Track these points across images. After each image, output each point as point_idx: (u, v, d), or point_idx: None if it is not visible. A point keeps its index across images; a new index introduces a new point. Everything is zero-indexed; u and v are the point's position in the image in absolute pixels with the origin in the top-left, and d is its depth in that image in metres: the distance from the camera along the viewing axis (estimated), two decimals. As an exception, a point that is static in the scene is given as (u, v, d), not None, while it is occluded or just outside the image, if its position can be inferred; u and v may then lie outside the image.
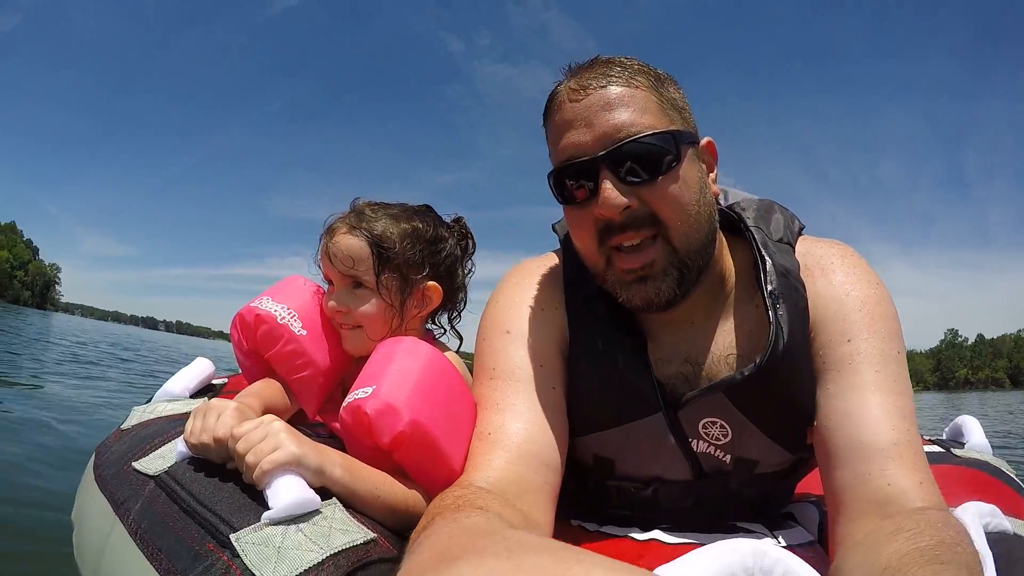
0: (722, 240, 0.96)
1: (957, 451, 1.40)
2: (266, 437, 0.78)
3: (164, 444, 0.94)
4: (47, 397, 4.22)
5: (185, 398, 1.17)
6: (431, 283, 1.14)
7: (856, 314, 0.87)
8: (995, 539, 0.77)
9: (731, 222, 1.00)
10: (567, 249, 1.00)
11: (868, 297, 0.89)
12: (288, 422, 0.84)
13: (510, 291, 1.01)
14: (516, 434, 0.86)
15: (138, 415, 1.07)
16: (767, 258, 0.90)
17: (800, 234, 1.00)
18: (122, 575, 0.77)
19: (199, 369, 1.26)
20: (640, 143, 0.80)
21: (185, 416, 1.05)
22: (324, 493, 0.79)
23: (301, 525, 0.73)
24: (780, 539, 0.93)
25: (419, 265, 1.12)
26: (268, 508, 0.73)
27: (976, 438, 1.47)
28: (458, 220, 1.25)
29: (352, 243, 1.09)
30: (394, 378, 0.90)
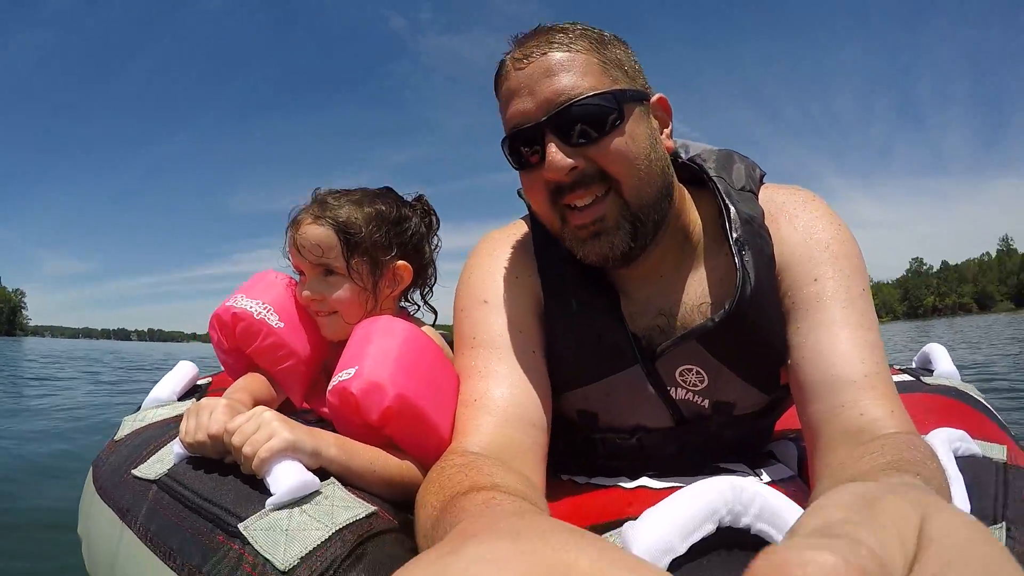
0: (685, 193, 0.99)
1: (926, 379, 1.44)
2: (259, 427, 0.80)
3: (160, 448, 0.95)
4: (29, 418, 4.16)
5: (173, 402, 1.18)
6: (400, 262, 1.17)
7: (821, 255, 0.91)
8: (965, 463, 0.80)
9: (693, 174, 1.02)
10: (535, 215, 1.01)
11: (832, 238, 0.92)
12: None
13: (483, 261, 1.03)
14: (501, 398, 0.89)
15: (129, 425, 1.07)
16: (731, 207, 0.93)
17: (762, 182, 1.03)
18: None
19: (183, 372, 1.26)
20: (582, 105, 0.83)
21: (176, 420, 1.06)
22: (322, 474, 0.82)
23: (304, 507, 0.75)
24: (763, 475, 0.97)
25: (386, 246, 1.14)
26: (270, 495, 0.76)
27: (943, 365, 1.53)
28: (419, 198, 1.27)
29: (318, 232, 1.11)
30: (375, 356, 0.92)
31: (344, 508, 0.77)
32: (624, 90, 0.86)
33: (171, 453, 0.90)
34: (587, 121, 0.83)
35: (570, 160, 0.84)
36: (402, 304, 1.27)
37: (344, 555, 0.71)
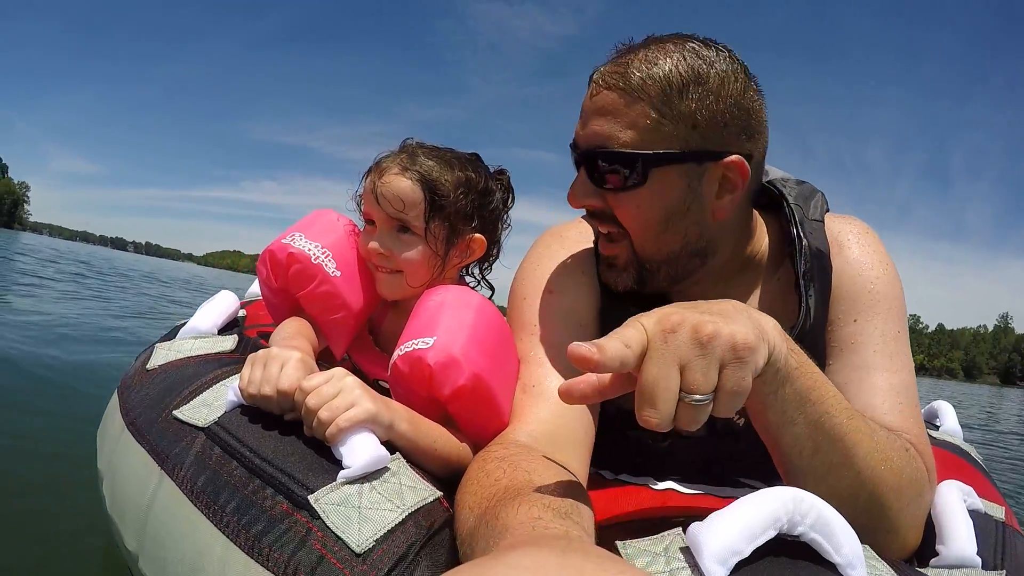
0: (758, 220, 0.97)
1: (932, 432, 1.50)
2: (340, 392, 0.74)
3: (205, 390, 0.86)
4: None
5: (213, 335, 1.09)
6: (477, 235, 1.11)
7: (864, 295, 0.91)
8: (971, 515, 0.85)
9: (771, 198, 1.00)
10: None
11: (877, 278, 0.93)
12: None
13: (549, 252, 1.04)
14: (554, 386, 0.87)
15: (163, 354, 0.98)
16: (804, 238, 0.91)
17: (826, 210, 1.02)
18: (179, 536, 0.72)
19: (225, 304, 1.17)
20: (606, 157, 0.83)
21: (218, 357, 0.98)
22: (388, 447, 0.76)
23: (374, 483, 0.70)
24: None
25: (468, 216, 1.08)
26: (337, 465, 0.71)
27: (949, 423, 1.57)
28: (502, 172, 1.19)
29: (404, 185, 1.02)
30: (453, 329, 0.87)
31: (412, 489, 0.73)
32: (669, 153, 0.81)
33: (222, 399, 0.82)
34: (608, 172, 0.84)
35: (587, 199, 0.88)
36: (461, 275, 1.21)
37: (421, 542, 0.67)
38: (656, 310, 0.61)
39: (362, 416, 0.73)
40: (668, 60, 0.81)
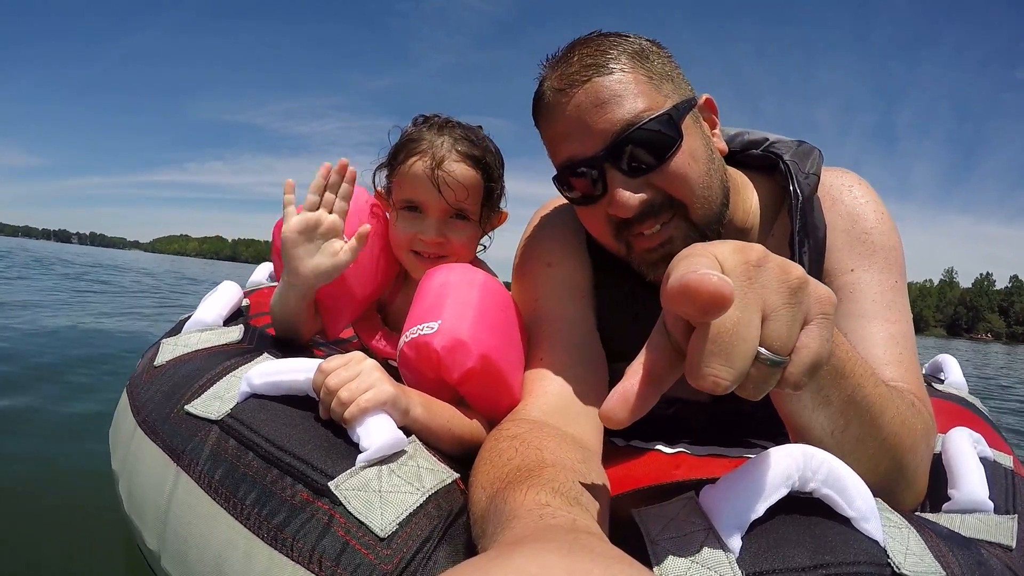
0: (742, 181, 0.96)
1: (937, 386, 1.49)
2: (360, 375, 0.74)
3: (215, 382, 0.85)
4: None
5: (219, 326, 1.08)
6: (505, 211, 1.13)
7: (860, 245, 0.91)
8: (981, 462, 0.85)
9: (763, 161, 0.99)
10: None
11: (873, 227, 0.92)
12: None
13: (546, 225, 1.03)
14: (565, 360, 0.88)
15: (170, 349, 0.97)
16: (799, 193, 0.90)
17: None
18: (200, 532, 0.71)
19: (229, 294, 1.15)
20: (642, 131, 0.79)
21: (225, 348, 0.97)
22: (403, 431, 0.75)
23: (392, 466, 0.70)
24: None
25: (503, 194, 1.10)
26: (354, 449, 0.70)
27: (954, 375, 1.58)
28: None
29: (468, 174, 1.01)
30: (457, 311, 0.86)
31: (430, 471, 0.72)
32: (677, 104, 0.82)
33: (233, 390, 0.81)
34: (648, 147, 0.80)
35: (638, 195, 0.81)
36: None
37: (443, 524, 0.66)
38: (723, 241, 0.49)
39: (383, 398, 0.73)
40: (612, 46, 0.83)
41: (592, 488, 0.64)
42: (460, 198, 1.01)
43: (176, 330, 1.09)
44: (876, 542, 0.56)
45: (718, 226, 0.89)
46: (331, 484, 0.67)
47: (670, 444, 0.96)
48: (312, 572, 0.62)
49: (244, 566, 0.66)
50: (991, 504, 0.78)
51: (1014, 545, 0.72)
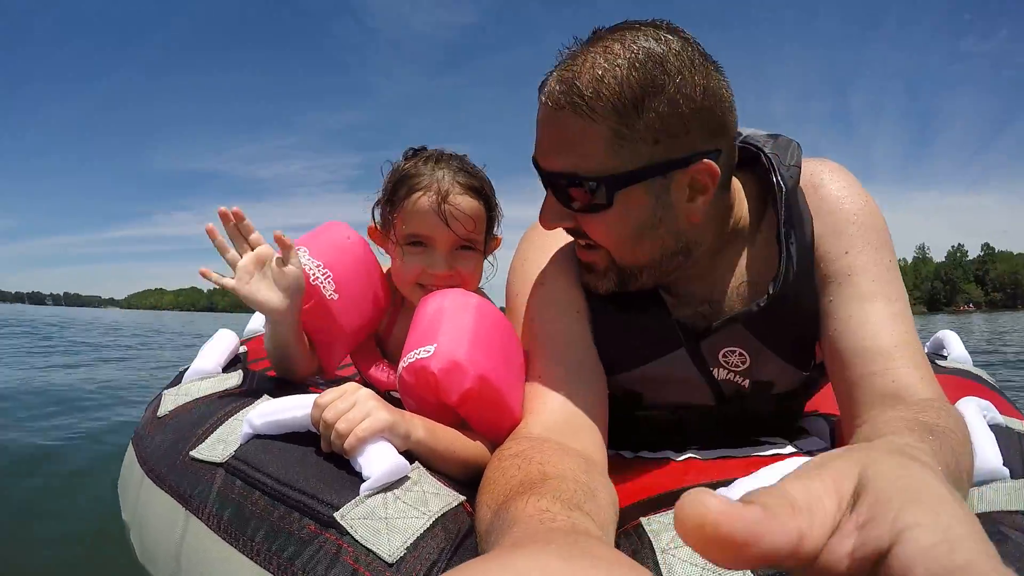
0: (736, 187, 0.96)
1: (941, 362, 1.49)
2: (355, 405, 0.75)
3: (218, 427, 0.87)
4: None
5: (218, 373, 1.10)
6: (499, 236, 1.16)
7: (850, 227, 0.92)
8: (993, 429, 0.86)
9: (745, 156, 0.99)
10: None
11: (859, 209, 0.93)
12: None
13: (539, 241, 1.03)
14: (563, 375, 0.89)
15: (172, 400, 0.99)
16: (783, 185, 0.91)
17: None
18: (212, 572, 0.72)
19: (225, 342, 1.18)
20: (572, 184, 0.82)
21: (226, 394, 0.99)
22: (407, 456, 0.77)
23: (397, 492, 0.71)
24: (799, 447, 1.00)
25: (498, 220, 1.14)
26: (358, 479, 0.72)
27: (957, 350, 1.58)
28: None
29: (473, 205, 1.05)
30: (453, 334, 0.88)
31: (435, 495, 0.73)
32: (633, 171, 0.79)
33: (236, 432, 0.83)
34: (574, 198, 0.84)
35: (557, 221, 0.88)
36: None
37: (451, 547, 0.67)
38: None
39: (379, 426, 0.74)
40: (618, 70, 0.76)
41: (595, 496, 0.64)
42: (468, 230, 1.04)
43: (176, 380, 1.11)
44: None
45: (652, 272, 0.91)
46: (337, 515, 0.68)
47: (678, 453, 0.97)
48: (324, 602, 0.63)
49: (257, 602, 0.67)
50: (1006, 471, 0.77)
51: None
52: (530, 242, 1.05)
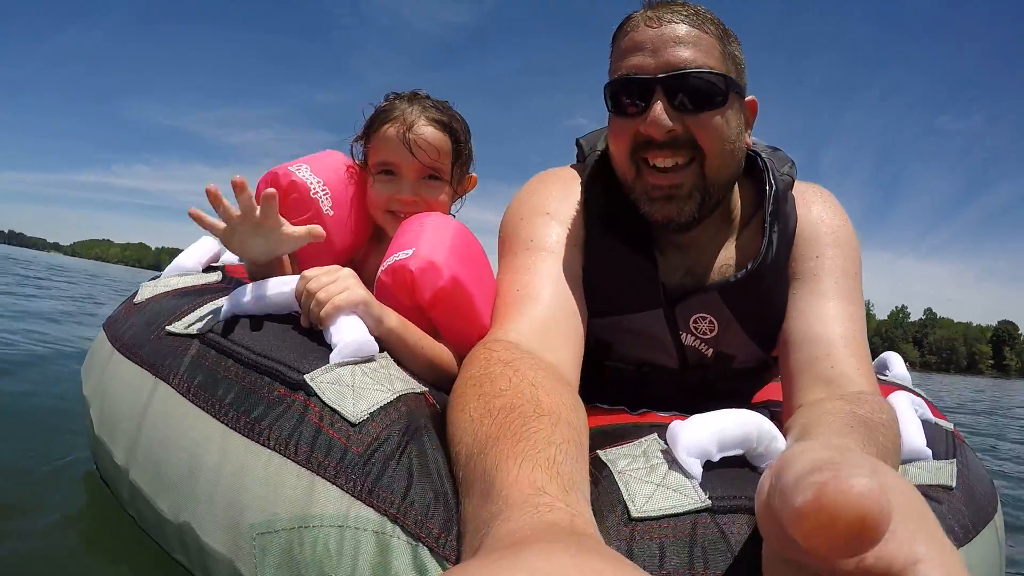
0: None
1: (883, 378, 1.60)
2: (337, 280, 0.81)
3: (197, 308, 0.89)
4: None
5: (198, 272, 1.12)
6: (474, 175, 1.23)
7: (826, 237, 1.02)
8: (923, 425, 0.95)
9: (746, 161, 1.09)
10: (601, 162, 1.07)
11: (838, 227, 1.04)
12: None
13: (542, 183, 1.09)
14: (546, 289, 0.93)
15: (150, 289, 1.00)
16: (774, 183, 1.02)
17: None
18: (175, 434, 0.74)
19: (208, 246, 1.20)
20: (698, 76, 0.88)
21: (204, 287, 1.01)
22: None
23: (364, 368, 0.75)
24: None
25: (471, 158, 1.20)
26: (327, 353, 0.75)
27: (898, 369, 1.68)
28: None
29: (437, 136, 1.10)
30: (431, 241, 0.93)
31: (401, 380, 0.76)
32: (733, 79, 0.92)
33: (213, 311, 0.85)
34: (697, 93, 0.89)
35: (671, 122, 0.89)
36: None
37: (413, 427, 0.68)
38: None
39: (356, 299, 0.80)
40: (704, 10, 0.93)
41: (583, 444, 0.64)
42: (432, 158, 1.10)
43: (155, 279, 1.12)
44: None
45: (720, 194, 0.97)
46: (307, 376, 0.71)
47: (633, 410, 0.99)
48: (287, 458, 0.65)
49: (219, 459, 0.68)
50: (929, 452, 0.86)
51: (954, 484, 0.80)
52: (537, 180, 1.11)
